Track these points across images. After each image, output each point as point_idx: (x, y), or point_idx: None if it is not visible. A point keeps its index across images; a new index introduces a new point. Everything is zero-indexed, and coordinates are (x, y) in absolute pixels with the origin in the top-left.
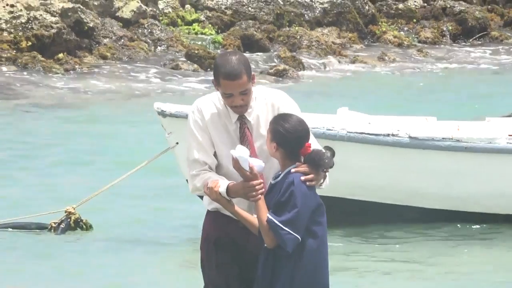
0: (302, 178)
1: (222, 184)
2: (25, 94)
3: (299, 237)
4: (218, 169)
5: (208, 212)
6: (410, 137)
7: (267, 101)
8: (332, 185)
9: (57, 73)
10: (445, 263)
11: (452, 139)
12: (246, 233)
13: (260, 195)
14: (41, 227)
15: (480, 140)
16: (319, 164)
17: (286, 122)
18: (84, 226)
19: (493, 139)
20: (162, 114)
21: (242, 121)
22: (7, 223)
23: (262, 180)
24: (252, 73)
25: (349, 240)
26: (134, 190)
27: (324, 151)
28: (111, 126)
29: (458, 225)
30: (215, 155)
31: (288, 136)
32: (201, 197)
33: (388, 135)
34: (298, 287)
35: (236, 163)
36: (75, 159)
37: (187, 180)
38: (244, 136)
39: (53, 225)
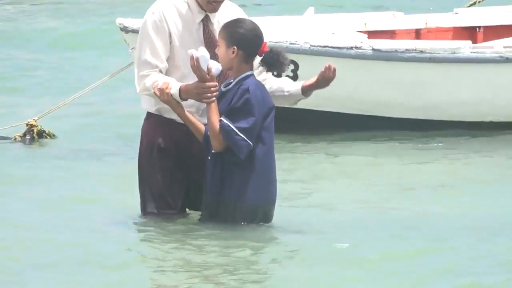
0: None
1: (173, 86)
2: None
3: (251, 143)
4: (174, 73)
5: (150, 115)
6: (373, 49)
7: (228, 11)
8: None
9: None
10: (410, 166)
11: (415, 50)
12: (189, 137)
13: (214, 98)
14: (3, 138)
15: (444, 50)
16: (277, 61)
17: (243, 23)
18: (47, 137)
19: (457, 49)
20: (125, 29)
21: (206, 22)
22: None
23: (217, 83)
24: None
25: (315, 148)
26: (96, 106)
27: (281, 51)
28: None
29: (424, 133)
30: (168, 60)
31: (248, 34)
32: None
33: (351, 48)
34: (248, 194)
35: (196, 62)
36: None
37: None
38: (208, 36)
39: (17, 137)
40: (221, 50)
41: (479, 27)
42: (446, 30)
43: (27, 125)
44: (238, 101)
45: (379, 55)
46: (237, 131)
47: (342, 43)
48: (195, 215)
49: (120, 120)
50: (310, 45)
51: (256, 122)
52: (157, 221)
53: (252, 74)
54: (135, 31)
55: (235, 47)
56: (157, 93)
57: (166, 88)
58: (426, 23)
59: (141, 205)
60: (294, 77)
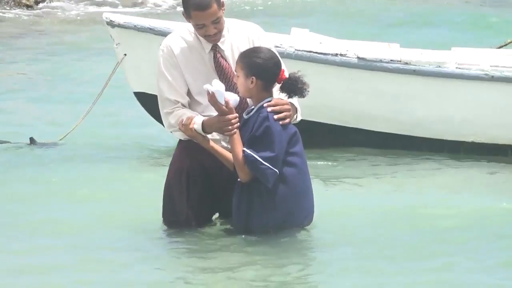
0: (275, 117)
1: (197, 121)
2: None
3: (277, 171)
4: (195, 107)
5: (180, 141)
6: (358, 57)
7: (242, 32)
8: None
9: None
10: (385, 182)
11: (400, 61)
12: (219, 163)
13: (235, 129)
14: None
15: (429, 63)
16: (296, 87)
17: (260, 53)
18: None
19: (442, 63)
20: (111, 24)
21: (216, 50)
22: None
23: (237, 114)
24: (222, 0)
25: None
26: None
27: (300, 76)
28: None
29: (404, 150)
30: (188, 94)
31: (266, 64)
32: None
33: (336, 54)
34: (274, 219)
35: (212, 97)
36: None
37: (135, 93)
38: (219, 65)
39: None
40: (240, 80)
41: None
42: None
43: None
44: (258, 129)
45: (363, 64)
46: (261, 160)
47: (327, 50)
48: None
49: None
50: (295, 49)
51: (278, 148)
52: (182, 234)
53: (271, 100)
54: (121, 26)
55: (253, 77)
56: (182, 129)
57: (190, 123)
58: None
59: (163, 221)
60: None
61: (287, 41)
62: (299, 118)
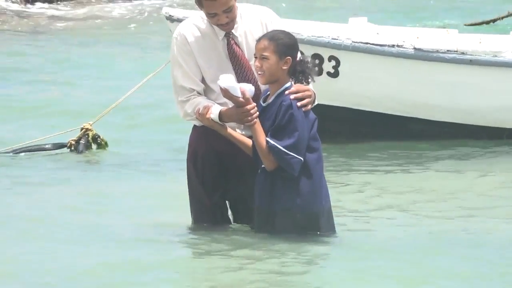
0: (298, 104)
1: (214, 111)
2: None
3: (302, 159)
4: (209, 94)
5: (195, 126)
6: (415, 48)
7: (255, 17)
8: (337, 94)
9: None
10: (447, 173)
11: (457, 51)
12: (234, 149)
13: (255, 119)
14: (58, 146)
15: (485, 53)
16: (305, 72)
17: (285, 34)
18: (101, 143)
19: (499, 52)
20: (170, 19)
21: (229, 37)
22: (21, 148)
23: (255, 104)
24: None
25: (351, 148)
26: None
27: (309, 61)
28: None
29: (462, 138)
30: (202, 81)
31: (297, 42)
32: None
33: (393, 45)
34: (298, 203)
35: (226, 92)
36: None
37: None
38: (233, 52)
39: (72, 142)
40: (269, 62)
41: None
42: None
43: (81, 129)
44: (283, 118)
45: (420, 55)
46: (286, 150)
47: (384, 41)
48: (242, 227)
49: (169, 126)
50: (352, 41)
51: (302, 136)
52: (208, 234)
53: (292, 85)
54: (180, 21)
55: (289, 57)
56: (199, 118)
57: (207, 113)
58: (480, 43)
59: (190, 211)
60: (335, 74)
61: (344, 32)
62: (316, 103)
